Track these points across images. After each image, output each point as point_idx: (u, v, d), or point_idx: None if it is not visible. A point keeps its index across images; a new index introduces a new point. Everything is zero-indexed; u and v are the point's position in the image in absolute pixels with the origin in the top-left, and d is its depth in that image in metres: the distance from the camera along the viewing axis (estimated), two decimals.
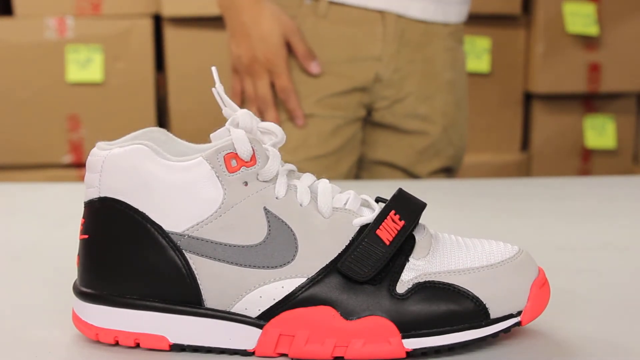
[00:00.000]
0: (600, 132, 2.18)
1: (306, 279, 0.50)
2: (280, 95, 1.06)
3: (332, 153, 1.08)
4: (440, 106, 1.13)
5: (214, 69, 0.55)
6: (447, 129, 1.14)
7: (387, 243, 0.51)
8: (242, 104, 1.10)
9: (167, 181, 0.51)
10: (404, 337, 0.50)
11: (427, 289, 0.50)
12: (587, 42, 2.11)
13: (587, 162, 2.21)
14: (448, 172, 1.17)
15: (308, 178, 0.54)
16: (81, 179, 1.91)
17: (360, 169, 1.16)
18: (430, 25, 1.10)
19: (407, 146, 1.13)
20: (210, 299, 0.51)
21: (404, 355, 0.50)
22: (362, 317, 0.50)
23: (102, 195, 0.52)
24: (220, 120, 0.55)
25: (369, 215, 0.52)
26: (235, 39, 1.07)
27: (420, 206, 0.54)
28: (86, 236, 0.53)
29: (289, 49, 1.05)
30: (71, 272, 0.57)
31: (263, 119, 1.01)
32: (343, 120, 1.09)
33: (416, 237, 0.53)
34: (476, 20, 2.10)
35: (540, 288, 0.52)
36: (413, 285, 0.50)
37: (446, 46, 1.12)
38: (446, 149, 1.15)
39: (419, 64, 1.10)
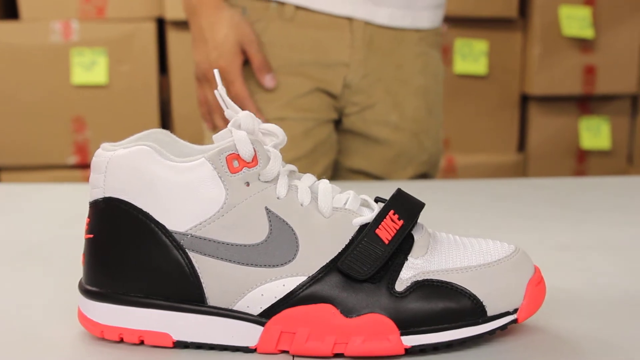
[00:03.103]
0: (595, 133, 2.18)
1: (307, 277, 0.50)
2: (236, 103, 1.02)
3: (305, 156, 1.06)
4: (411, 112, 1.10)
5: (216, 71, 0.55)
6: (419, 135, 1.11)
7: (386, 242, 0.51)
8: (208, 113, 1.07)
9: (170, 181, 0.51)
10: (402, 334, 0.50)
11: (426, 287, 0.51)
12: (583, 44, 2.11)
13: (582, 163, 2.21)
14: (424, 178, 1.15)
15: (308, 178, 0.54)
16: (86, 179, 1.92)
17: (336, 177, 1.13)
18: (400, 31, 1.07)
19: (379, 155, 1.11)
20: (212, 297, 0.51)
21: (403, 352, 0.50)
22: (362, 314, 0.50)
23: (107, 195, 0.52)
24: None
25: (368, 215, 0.52)
26: (195, 44, 1.04)
27: (418, 206, 0.54)
28: (91, 235, 0.53)
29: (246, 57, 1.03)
30: (77, 270, 0.57)
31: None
32: (314, 122, 1.06)
33: (415, 236, 0.53)
34: (473, 24, 2.11)
35: (536, 286, 0.52)
36: (412, 283, 0.51)
37: (417, 51, 1.10)
38: (419, 156, 1.12)
39: (388, 70, 1.08)
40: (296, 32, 1.04)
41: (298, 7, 1.03)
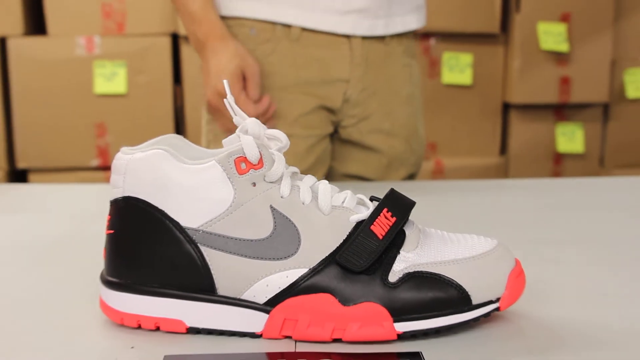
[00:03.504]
0: (570, 138, 2.18)
1: (308, 269, 0.50)
2: (232, 131, 0.94)
3: (306, 170, 1.04)
4: (402, 119, 1.09)
5: (225, 82, 0.55)
6: (409, 139, 1.11)
7: (380, 237, 0.51)
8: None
9: (183, 182, 0.51)
10: (395, 321, 0.50)
11: (416, 278, 0.50)
12: (559, 57, 2.11)
13: (558, 165, 2.21)
14: (411, 178, 1.14)
15: (309, 179, 0.54)
16: (107, 180, 1.92)
17: (331, 182, 1.11)
18: (388, 45, 1.06)
19: (374, 161, 1.10)
20: (222, 287, 0.51)
21: (395, 338, 0.50)
22: (358, 303, 0.50)
23: (126, 194, 0.52)
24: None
25: (364, 213, 0.52)
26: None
27: (410, 204, 0.54)
28: (112, 231, 0.53)
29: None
30: (98, 263, 0.57)
31: None
32: (316, 139, 1.05)
33: (406, 232, 0.53)
34: (459, 38, 2.11)
35: (517, 277, 0.52)
36: (403, 275, 0.50)
37: (403, 63, 1.09)
38: (409, 158, 1.12)
39: (381, 82, 1.07)
40: (302, 52, 1.02)
41: (304, 29, 1.02)
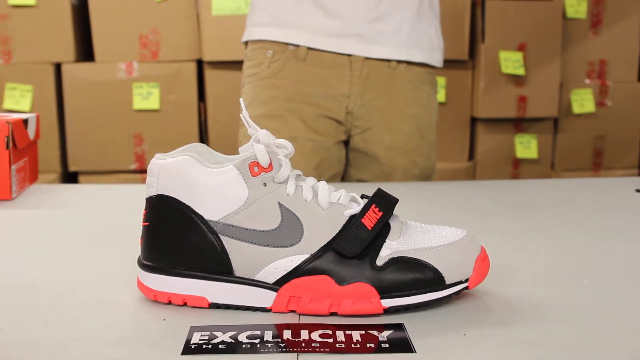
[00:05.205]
0: (527, 147, 2.18)
1: (309, 255, 0.50)
2: None
3: (313, 169, 1.03)
4: (403, 135, 1.06)
5: (241, 100, 0.55)
6: (410, 154, 1.07)
7: (370, 228, 0.51)
8: None
9: (207, 182, 0.51)
10: (382, 298, 0.50)
11: (399, 262, 0.50)
12: (517, 80, 2.11)
13: (517, 169, 2.21)
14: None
15: (310, 180, 0.54)
16: (143, 181, 1.91)
17: (340, 184, 1.11)
18: (394, 69, 1.04)
19: (378, 169, 1.08)
20: (238, 270, 0.51)
21: (382, 312, 0.50)
22: (351, 283, 0.50)
23: (159, 193, 0.52)
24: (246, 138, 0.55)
25: (356, 208, 0.52)
26: None
27: (394, 201, 0.54)
28: (147, 223, 0.53)
29: None
30: (136, 249, 0.57)
31: None
32: (320, 143, 1.04)
33: (391, 224, 0.53)
34: None
35: (482, 261, 0.52)
36: (389, 259, 0.50)
37: (410, 87, 1.06)
38: (411, 170, 1.09)
39: (383, 100, 1.05)
40: (307, 70, 1.03)
41: (310, 48, 1.02)
